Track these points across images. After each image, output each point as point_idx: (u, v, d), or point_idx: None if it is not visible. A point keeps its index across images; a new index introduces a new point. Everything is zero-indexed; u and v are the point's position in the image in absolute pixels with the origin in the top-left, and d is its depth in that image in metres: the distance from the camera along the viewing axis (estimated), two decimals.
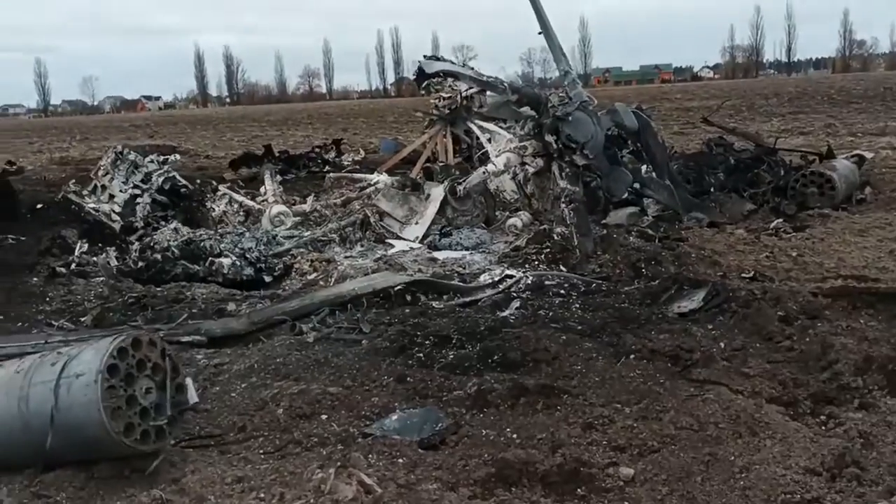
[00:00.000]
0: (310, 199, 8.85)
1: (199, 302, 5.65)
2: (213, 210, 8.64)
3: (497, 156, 7.82)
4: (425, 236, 7.71)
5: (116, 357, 2.98)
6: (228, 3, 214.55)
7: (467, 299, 5.54)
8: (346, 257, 7.27)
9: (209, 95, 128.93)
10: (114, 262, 6.95)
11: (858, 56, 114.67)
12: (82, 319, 5.48)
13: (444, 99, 10.37)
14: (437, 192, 7.91)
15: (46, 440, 2.95)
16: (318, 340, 4.75)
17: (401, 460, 3.08)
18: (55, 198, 10.12)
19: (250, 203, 8.92)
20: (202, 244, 6.98)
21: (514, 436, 3.29)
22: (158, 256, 6.85)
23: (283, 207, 8.34)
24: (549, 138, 7.54)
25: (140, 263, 6.80)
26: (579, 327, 4.71)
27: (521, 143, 7.70)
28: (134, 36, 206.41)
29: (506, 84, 7.82)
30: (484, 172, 7.80)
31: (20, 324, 5.58)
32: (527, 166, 7.70)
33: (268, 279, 6.89)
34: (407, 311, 5.25)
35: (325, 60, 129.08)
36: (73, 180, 8.11)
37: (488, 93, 9.05)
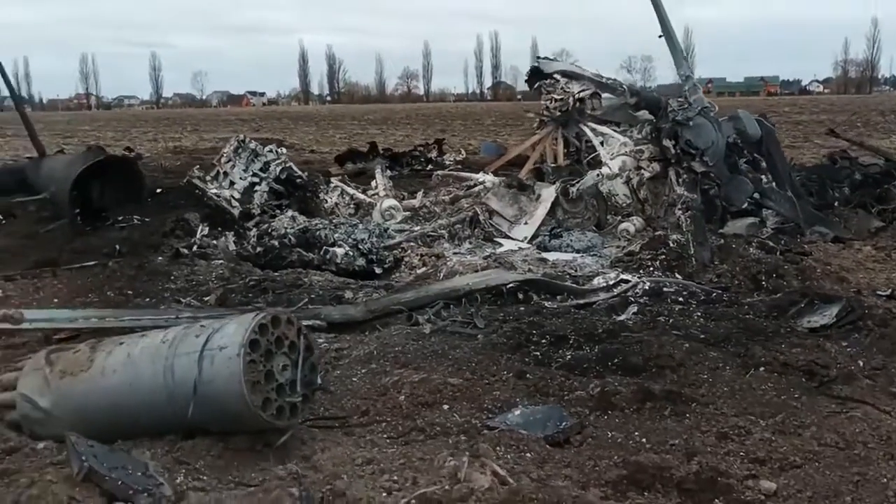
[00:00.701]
0: (419, 195, 8.94)
1: (316, 288, 5.77)
2: (326, 201, 8.84)
3: (612, 159, 7.70)
4: (534, 236, 7.66)
5: (258, 332, 3.05)
6: (333, 4, 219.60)
7: (581, 301, 5.46)
8: (454, 253, 7.30)
9: (311, 93, 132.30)
10: (232, 247, 7.18)
11: None
12: (206, 298, 5.67)
13: (556, 101, 10.27)
14: (548, 192, 7.85)
15: (187, 409, 3.06)
16: (434, 332, 4.76)
17: (529, 454, 3.05)
18: (175, 182, 10.60)
19: (361, 196, 9.08)
20: (317, 233, 7.13)
21: (644, 440, 3.21)
22: (276, 243, 7.04)
23: (393, 202, 8.45)
24: (668, 143, 7.38)
25: (258, 248, 7.00)
26: (702, 336, 4.56)
27: (638, 147, 7.56)
28: (242, 34, 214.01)
29: (625, 86, 7.71)
30: (598, 175, 7.70)
31: (148, 299, 5.83)
32: (642, 171, 7.56)
33: (378, 271, 7.00)
34: (521, 309, 5.21)
35: (425, 63, 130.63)
36: (198, 166, 8.43)
37: (604, 95, 8.95)
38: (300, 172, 9.00)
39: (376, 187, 9.09)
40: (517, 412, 3.55)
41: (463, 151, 20.28)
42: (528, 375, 3.97)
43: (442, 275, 6.68)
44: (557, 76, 10.37)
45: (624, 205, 8.18)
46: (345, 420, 3.60)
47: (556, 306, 5.37)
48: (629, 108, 8.49)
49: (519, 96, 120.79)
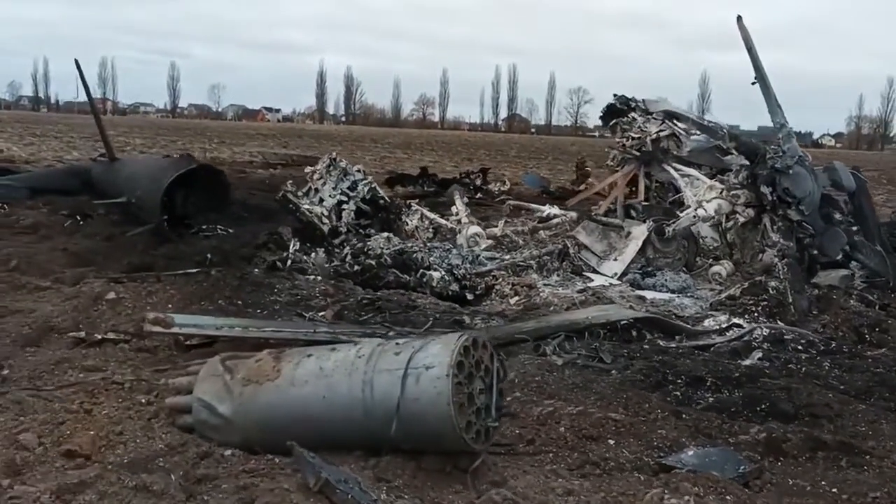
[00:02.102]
0: (500, 224, 8.97)
1: (430, 311, 5.77)
2: (407, 224, 8.88)
3: (708, 201, 7.69)
4: (624, 273, 7.66)
5: (462, 354, 3.06)
6: (355, 26, 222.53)
7: (700, 343, 5.44)
8: (545, 285, 7.31)
9: (326, 113, 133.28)
10: (328, 263, 7.21)
11: None
12: (322, 314, 5.68)
13: (632, 139, 10.33)
14: (640, 230, 7.87)
15: (386, 425, 3.06)
16: (566, 364, 4.75)
17: (728, 497, 3.02)
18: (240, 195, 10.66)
19: (441, 221, 9.12)
20: (413, 255, 7.15)
21: (835, 490, 3.18)
22: (373, 262, 7.06)
23: (478, 229, 8.49)
24: (765, 189, 7.38)
25: (356, 267, 7.02)
26: (841, 387, 4.54)
27: (734, 192, 7.57)
28: (261, 50, 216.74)
29: (725, 130, 7.72)
30: (694, 216, 7.70)
31: (258, 311, 5.84)
32: (737, 215, 7.55)
33: (470, 297, 7.00)
34: (645, 347, 5.20)
35: (442, 90, 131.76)
36: (290, 181, 8.48)
37: (691, 137, 8.98)
38: (383, 194, 9.05)
39: (457, 213, 9.13)
40: (690, 452, 3.53)
41: (507, 181, 20.40)
42: (683, 415, 3.95)
43: (537, 303, 6.71)
44: (635, 115, 10.46)
45: (710, 248, 8.17)
46: (510, 447, 3.58)
47: (674, 346, 5.36)
48: (717, 152, 8.52)
49: (533, 129, 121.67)
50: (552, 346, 5.04)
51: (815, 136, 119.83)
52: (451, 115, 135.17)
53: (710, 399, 4.31)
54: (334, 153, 8.73)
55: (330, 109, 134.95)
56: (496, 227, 8.92)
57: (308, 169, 8.39)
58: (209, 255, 7.43)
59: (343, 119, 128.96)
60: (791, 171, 7.27)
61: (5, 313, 5.57)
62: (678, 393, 4.40)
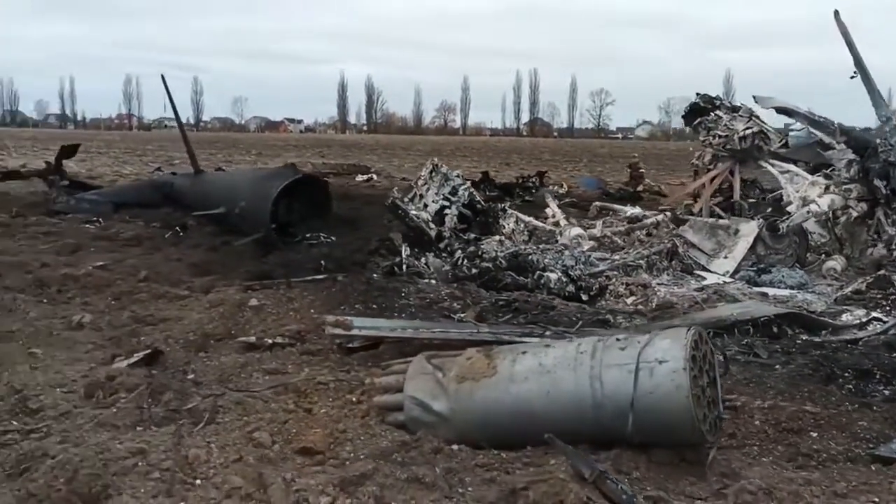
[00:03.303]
0: (599, 225, 9.01)
1: (570, 311, 5.83)
2: (504, 227, 8.96)
3: (820, 196, 7.67)
4: (736, 271, 7.65)
5: (694, 348, 3.12)
6: (372, 35, 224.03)
7: (845, 337, 5.43)
8: (658, 284, 7.33)
9: (348, 122, 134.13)
10: (446, 267, 7.31)
11: None
12: (462, 315, 5.76)
13: (719, 137, 10.30)
14: (749, 228, 7.86)
15: (616, 419, 3.12)
16: (728, 360, 4.77)
17: None
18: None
19: (537, 223, 9.19)
20: (528, 258, 7.22)
21: None
22: (489, 265, 7.14)
23: (580, 230, 8.54)
24: (879, 183, 7.35)
25: (473, 270, 7.10)
26: None
27: (845, 186, 7.54)
28: (280, 62, 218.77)
29: (835, 125, 7.69)
30: (808, 212, 7.68)
31: (395, 314, 5.93)
32: (850, 210, 7.52)
33: (584, 297, 7.05)
34: (798, 342, 5.22)
35: (463, 96, 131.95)
36: (396, 188, 8.61)
37: (790, 133, 8.96)
38: (479, 199, 9.14)
39: (553, 215, 9.19)
40: None
41: (565, 185, 20.42)
42: (874, 407, 3.97)
43: (654, 304, 6.74)
44: (720, 113, 10.44)
45: (818, 243, 8.14)
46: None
47: (819, 340, 5.37)
48: (818, 147, 8.50)
49: (555, 133, 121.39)
50: None
51: None
52: (473, 121, 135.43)
53: (886, 392, 4.32)
54: (436, 159, 8.85)
55: (351, 119, 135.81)
56: (594, 228, 8.96)
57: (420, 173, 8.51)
58: (323, 262, 7.58)
59: (365, 128, 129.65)
60: None
61: (155, 321, 5.74)
62: (850, 386, 4.41)
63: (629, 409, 3.09)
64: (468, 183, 8.88)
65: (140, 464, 2.98)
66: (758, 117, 10.35)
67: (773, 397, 4.11)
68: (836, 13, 8.47)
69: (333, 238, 8.84)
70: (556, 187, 19.25)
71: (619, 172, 28.65)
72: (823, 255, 7.83)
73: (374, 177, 23.60)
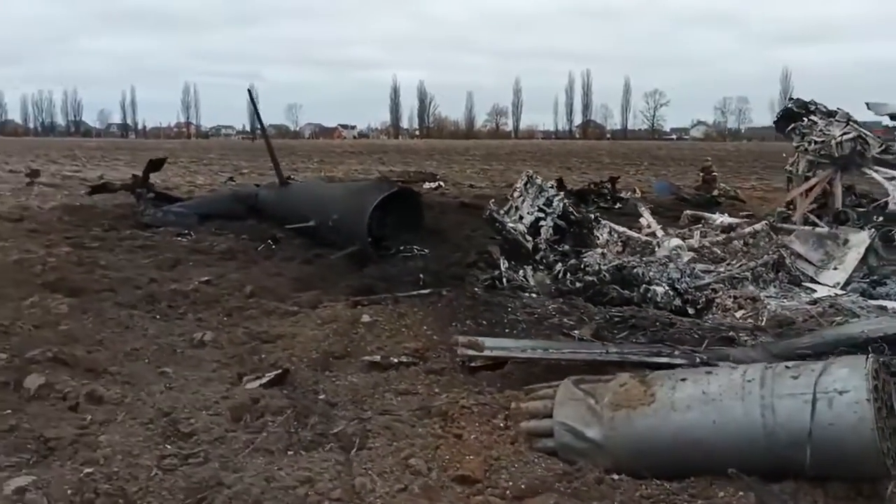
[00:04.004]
0: (696, 235, 8.83)
1: (691, 328, 5.70)
2: (598, 238, 8.84)
3: None
4: (847, 283, 7.40)
5: (875, 377, 2.99)
6: (424, 40, 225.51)
7: None
8: (767, 297, 7.13)
9: (400, 127, 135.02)
10: (548, 281, 7.23)
11: None
12: (578, 332, 5.68)
13: (815, 143, 10.00)
14: (860, 238, 7.60)
15: (790, 449, 3.02)
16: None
17: None
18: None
19: (631, 233, 9.05)
20: (634, 271, 7.10)
21: None
22: (593, 279, 7.04)
23: (680, 241, 8.38)
24: None
25: (577, 284, 7.01)
26: None
27: None
28: (333, 68, 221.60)
29: None
30: None
31: (506, 330, 5.87)
32: None
33: (691, 311, 6.89)
34: None
35: (515, 99, 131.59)
36: (493, 200, 8.59)
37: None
38: (572, 209, 9.04)
39: (648, 225, 9.04)
40: None
41: (638, 190, 20.14)
42: None
43: (764, 318, 6.56)
44: (815, 118, 10.14)
45: None
46: None
47: None
48: None
49: (608, 136, 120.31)
50: None
51: None
52: (525, 124, 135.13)
53: None
54: (531, 171, 8.79)
55: (404, 124, 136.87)
56: (691, 238, 8.78)
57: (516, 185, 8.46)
58: (422, 276, 7.58)
59: (417, 133, 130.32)
60: None
61: (271, 338, 5.80)
62: None
63: (805, 440, 2.99)
64: (562, 194, 8.78)
65: (310, 493, 2.99)
66: (855, 122, 10.03)
67: None
68: None
69: (426, 251, 8.84)
70: (629, 193, 18.99)
71: (683, 175, 28.25)
72: None
73: (442, 184, 23.60)
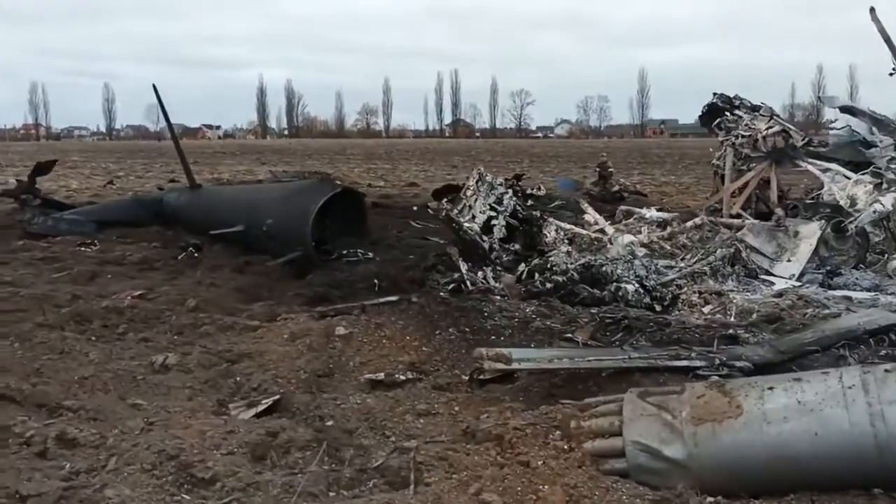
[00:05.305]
0: (645, 230, 8.77)
1: (689, 327, 5.53)
2: (546, 236, 8.64)
3: (868, 194, 7.60)
4: (802, 274, 7.50)
5: None
6: (288, 39, 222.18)
7: None
8: (729, 291, 7.13)
9: (268, 127, 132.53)
10: (515, 282, 6.94)
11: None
12: (572, 335, 5.41)
13: (742, 137, 10.19)
14: (809, 229, 7.72)
15: None
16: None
17: None
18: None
19: (578, 230, 8.91)
20: (602, 269, 6.90)
21: None
22: (563, 279, 6.80)
23: (632, 237, 8.28)
24: None
25: (548, 285, 6.75)
26: None
27: None
28: (194, 67, 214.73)
29: (895, 124, 7.64)
30: (874, 212, 7.58)
31: (490, 336, 5.53)
32: None
33: (658, 308, 6.78)
34: None
35: (385, 99, 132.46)
36: (447, 199, 8.20)
37: (832, 132, 8.90)
38: (520, 207, 8.78)
39: (595, 222, 8.91)
40: None
41: (543, 187, 20.25)
42: None
43: (732, 314, 6.54)
44: (739, 113, 10.35)
45: (873, 242, 8.06)
46: None
47: None
48: (858, 145, 8.45)
49: (477, 134, 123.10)
50: (853, 357, 4.83)
51: None
52: (395, 124, 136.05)
53: None
54: (482, 168, 8.46)
55: (272, 124, 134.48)
56: (641, 234, 8.71)
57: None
58: (377, 282, 7.13)
59: (286, 132, 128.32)
60: None
61: (237, 358, 5.22)
62: None
63: None
64: (510, 192, 8.51)
65: None
66: (778, 116, 10.31)
67: None
68: (872, 10, 8.44)
69: (371, 254, 8.37)
70: (534, 190, 19.04)
71: (568, 171, 28.85)
72: (885, 255, 7.74)
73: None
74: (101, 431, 3.68)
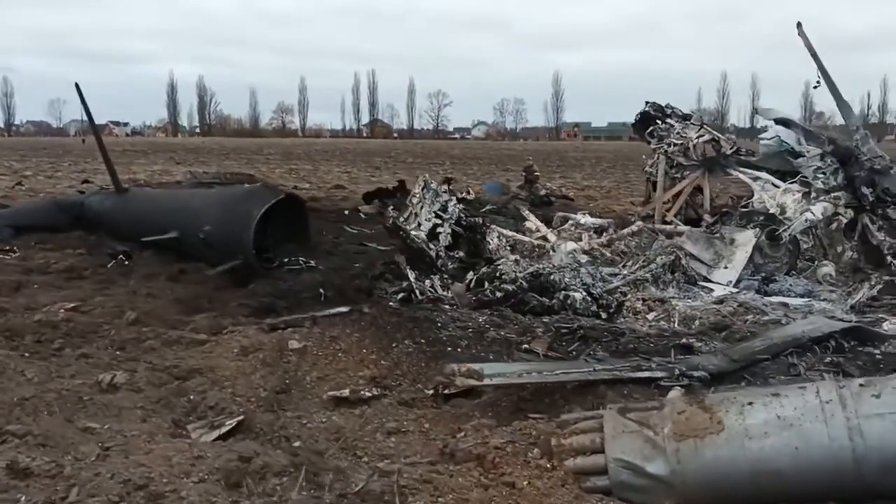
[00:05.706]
0: (585, 237, 8.88)
1: (644, 337, 5.61)
2: (489, 243, 8.65)
3: (813, 204, 7.89)
4: (739, 281, 7.73)
5: None
6: (200, 35, 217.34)
7: None
8: (671, 298, 7.29)
9: (179, 125, 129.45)
10: (463, 290, 6.92)
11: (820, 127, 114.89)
12: (531, 346, 5.41)
13: (674, 146, 10.46)
14: (745, 237, 7.95)
15: (884, 474, 2.92)
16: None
17: None
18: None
19: (520, 237, 8.95)
20: (550, 277, 6.95)
21: None
22: (513, 287, 6.81)
23: (575, 244, 8.37)
24: (865, 190, 7.65)
25: (497, 294, 6.75)
26: None
27: (835, 194, 7.79)
28: (99, 61, 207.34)
29: (824, 136, 7.95)
30: (806, 220, 7.87)
31: (447, 348, 5.48)
32: (840, 216, 7.79)
33: (604, 315, 6.88)
34: (878, 356, 5.25)
35: (301, 98, 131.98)
36: (392, 207, 8.10)
37: (762, 141, 9.21)
38: (463, 214, 8.77)
39: (536, 229, 8.98)
40: None
41: (471, 191, 20.32)
42: None
43: (676, 321, 6.70)
44: (671, 121, 10.63)
45: (804, 249, 8.38)
46: None
47: (881, 354, 5.44)
48: (787, 155, 8.78)
49: (395, 134, 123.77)
50: (802, 364, 4.99)
51: None
52: (312, 123, 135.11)
53: None
54: (426, 175, 8.40)
55: (183, 121, 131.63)
56: (582, 241, 8.82)
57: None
58: (323, 292, 7.00)
59: (198, 130, 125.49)
60: (893, 171, 7.57)
61: (186, 374, 5.01)
62: None
63: None
64: (454, 199, 8.49)
65: None
66: (708, 125, 10.62)
67: None
68: (799, 25, 8.78)
69: (313, 263, 8.20)
70: (462, 193, 19.08)
71: (491, 175, 29.09)
72: (815, 262, 8.05)
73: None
74: (55, 459, 3.45)
